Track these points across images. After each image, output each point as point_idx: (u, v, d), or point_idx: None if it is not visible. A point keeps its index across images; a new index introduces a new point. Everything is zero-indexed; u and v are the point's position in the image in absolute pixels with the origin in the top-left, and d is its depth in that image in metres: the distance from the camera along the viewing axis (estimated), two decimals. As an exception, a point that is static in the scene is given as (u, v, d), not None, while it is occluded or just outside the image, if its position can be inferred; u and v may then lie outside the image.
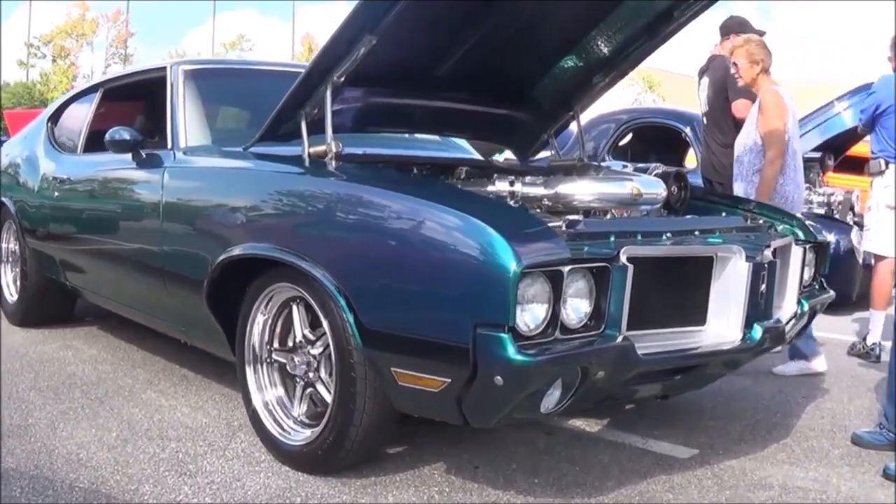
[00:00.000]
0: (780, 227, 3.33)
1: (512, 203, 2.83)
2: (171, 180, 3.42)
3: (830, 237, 4.71)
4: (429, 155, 3.89)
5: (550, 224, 2.52)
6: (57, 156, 4.66)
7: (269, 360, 3.06)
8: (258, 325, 3.05)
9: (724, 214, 3.36)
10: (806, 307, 3.21)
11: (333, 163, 2.98)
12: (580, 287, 2.44)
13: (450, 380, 2.42)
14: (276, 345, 3.06)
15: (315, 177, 3.00)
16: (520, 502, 2.74)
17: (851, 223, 6.51)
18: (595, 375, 2.45)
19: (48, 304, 4.64)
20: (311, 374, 2.92)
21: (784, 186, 4.15)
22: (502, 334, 2.26)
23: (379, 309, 2.57)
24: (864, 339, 4.84)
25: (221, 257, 3.02)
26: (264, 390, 3.05)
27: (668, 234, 2.81)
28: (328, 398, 2.82)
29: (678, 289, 2.69)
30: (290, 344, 3.01)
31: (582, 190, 2.96)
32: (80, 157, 4.47)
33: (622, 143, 7.57)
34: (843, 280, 5.69)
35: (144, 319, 3.94)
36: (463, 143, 4.45)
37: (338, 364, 2.69)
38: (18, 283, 4.71)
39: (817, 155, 7.16)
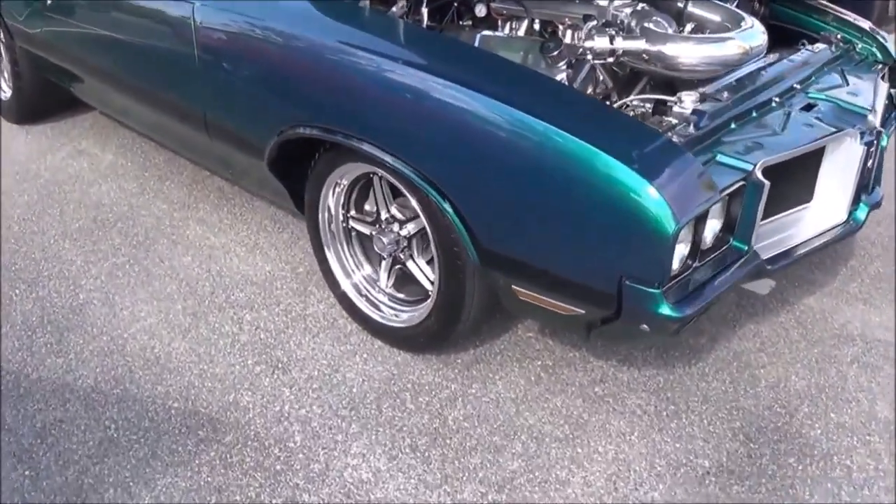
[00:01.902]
0: (859, 47, 2.94)
1: (654, 125, 2.36)
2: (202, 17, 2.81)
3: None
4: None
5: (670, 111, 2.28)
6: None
7: (346, 229, 2.75)
8: (331, 200, 2.70)
9: (804, 43, 2.90)
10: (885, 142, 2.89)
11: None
12: (716, 209, 2.17)
13: (584, 312, 2.21)
14: (352, 212, 2.74)
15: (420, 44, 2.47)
16: (625, 376, 2.65)
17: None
18: None
19: (47, 102, 4.10)
20: (401, 255, 2.65)
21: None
22: (654, 290, 2.03)
23: (501, 233, 2.24)
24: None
25: (284, 131, 2.58)
26: (351, 274, 2.79)
27: (776, 100, 2.50)
28: (422, 279, 2.62)
29: (787, 172, 2.38)
30: (370, 212, 2.70)
31: (688, 53, 2.50)
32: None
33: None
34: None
35: (177, 149, 3.52)
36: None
37: (443, 263, 2.42)
38: (11, 81, 4.09)
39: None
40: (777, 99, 2.51)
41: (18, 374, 2.65)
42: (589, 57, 2.54)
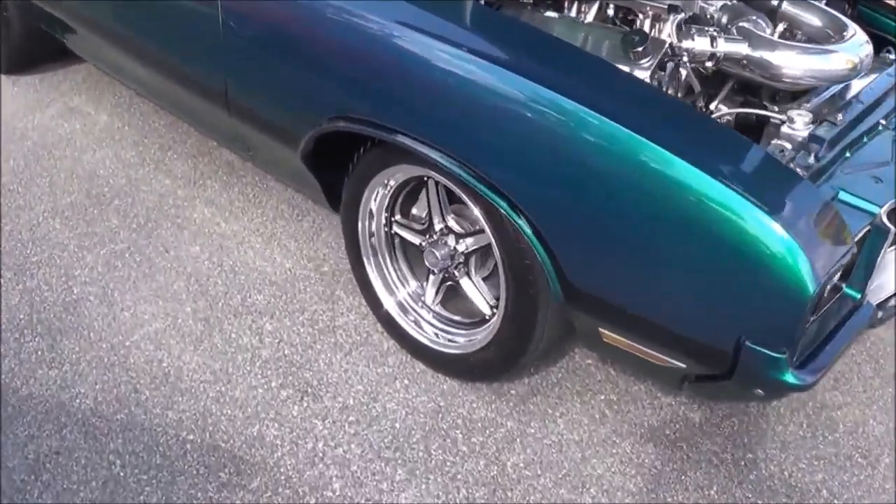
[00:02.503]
0: None
1: (779, 153, 2.00)
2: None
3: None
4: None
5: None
6: None
7: (388, 235, 2.40)
8: (373, 204, 2.34)
9: (890, 51, 2.52)
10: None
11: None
12: None
13: (684, 366, 1.90)
14: (398, 216, 2.38)
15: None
16: (696, 416, 2.36)
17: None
18: None
19: (36, 51, 3.62)
20: (456, 272, 2.30)
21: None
22: (779, 355, 1.73)
23: (595, 270, 1.91)
24: None
25: (326, 122, 2.20)
26: (395, 291, 2.43)
27: (882, 122, 2.17)
28: (479, 302, 2.29)
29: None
30: (419, 217, 2.35)
31: (794, 63, 2.13)
32: None
33: None
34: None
35: (188, 122, 3.11)
36: None
37: (513, 289, 2.09)
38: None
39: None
40: (883, 121, 2.18)
41: (7, 389, 2.30)
42: (685, 58, 2.17)
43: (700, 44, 2.16)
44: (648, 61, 2.12)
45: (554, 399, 2.37)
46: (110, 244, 2.82)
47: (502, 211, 1.93)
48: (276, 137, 2.45)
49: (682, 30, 2.17)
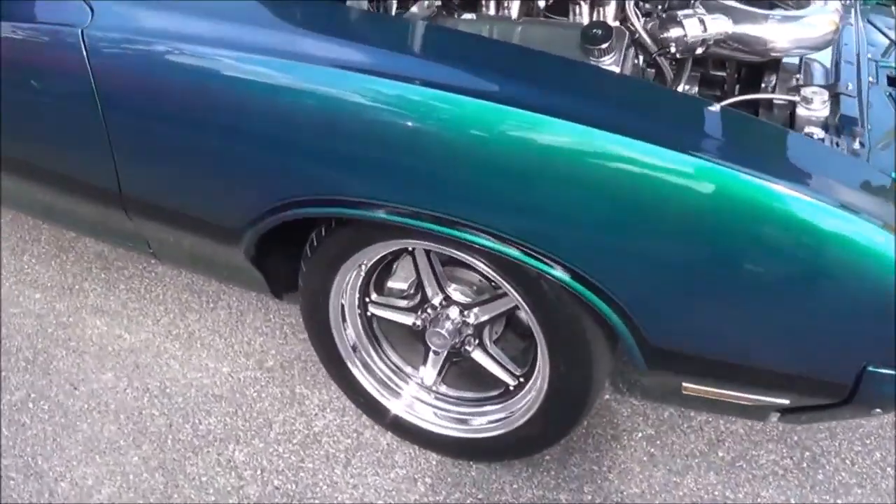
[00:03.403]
0: None
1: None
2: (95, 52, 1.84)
3: None
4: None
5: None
6: None
7: (366, 322, 2.02)
8: (345, 296, 1.95)
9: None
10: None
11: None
12: None
13: (787, 402, 1.67)
14: (373, 295, 2.00)
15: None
16: (738, 427, 2.19)
17: None
18: None
19: None
20: (467, 346, 1.96)
21: None
22: None
23: (685, 327, 1.63)
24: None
25: (278, 210, 1.78)
26: (399, 389, 2.05)
27: (871, 79, 1.99)
28: (499, 373, 1.96)
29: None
30: (399, 291, 1.99)
31: (779, 35, 1.90)
32: None
33: None
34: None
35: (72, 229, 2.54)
36: None
37: (563, 360, 1.78)
38: None
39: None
40: (871, 79, 2.01)
41: None
42: (673, 49, 1.88)
43: (692, 29, 1.86)
44: (612, 56, 1.83)
45: (593, 452, 2.11)
46: (6, 395, 2.25)
47: (559, 283, 1.60)
48: (194, 233, 1.99)
49: (663, 18, 1.88)
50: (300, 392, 2.24)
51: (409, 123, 1.55)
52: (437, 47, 1.74)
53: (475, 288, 1.90)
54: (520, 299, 1.72)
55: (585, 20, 1.92)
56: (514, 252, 1.58)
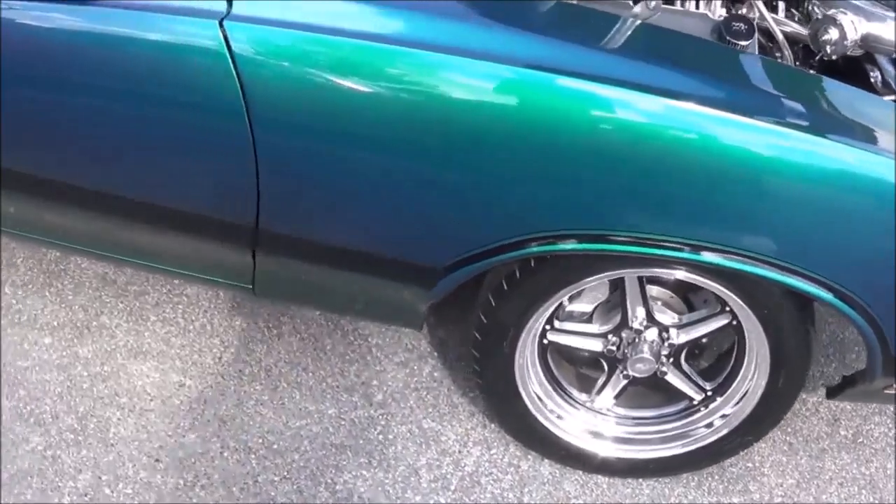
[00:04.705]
0: None
1: None
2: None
3: None
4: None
5: None
6: None
7: (542, 353, 1.86)
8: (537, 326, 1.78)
9: None
10: None
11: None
12: None
13: None
14: (555, 322, 1.84)
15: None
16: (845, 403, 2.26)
17: None
18: None
19: None
20: (663, 367, 1.86)
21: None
22: None
23: None
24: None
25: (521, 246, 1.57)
26: (599, 429, 1.91)
27: None
28: (688, 389, 1.91)
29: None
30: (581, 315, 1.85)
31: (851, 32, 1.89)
32: None
33: None
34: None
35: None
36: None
37: (785, 374, 1.78)
38: None
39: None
40: None
41: None
42: (829, 50, 1.81)
43: (850, 31, 1.79)
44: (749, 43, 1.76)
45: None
46: (67, 482, 1.81)
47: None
48: (362, 272, 1.70)
49: (819, 19, 1.78)
50: (429, 427, 2.02)
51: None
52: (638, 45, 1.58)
53: (675, 308, 1.81)
54: (752, 315, 1.67)
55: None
56: (790, 280, 1.53)
